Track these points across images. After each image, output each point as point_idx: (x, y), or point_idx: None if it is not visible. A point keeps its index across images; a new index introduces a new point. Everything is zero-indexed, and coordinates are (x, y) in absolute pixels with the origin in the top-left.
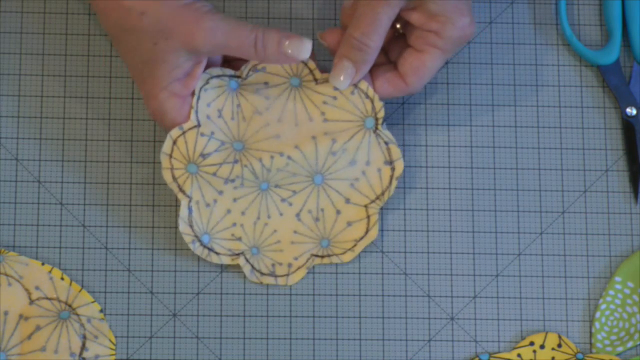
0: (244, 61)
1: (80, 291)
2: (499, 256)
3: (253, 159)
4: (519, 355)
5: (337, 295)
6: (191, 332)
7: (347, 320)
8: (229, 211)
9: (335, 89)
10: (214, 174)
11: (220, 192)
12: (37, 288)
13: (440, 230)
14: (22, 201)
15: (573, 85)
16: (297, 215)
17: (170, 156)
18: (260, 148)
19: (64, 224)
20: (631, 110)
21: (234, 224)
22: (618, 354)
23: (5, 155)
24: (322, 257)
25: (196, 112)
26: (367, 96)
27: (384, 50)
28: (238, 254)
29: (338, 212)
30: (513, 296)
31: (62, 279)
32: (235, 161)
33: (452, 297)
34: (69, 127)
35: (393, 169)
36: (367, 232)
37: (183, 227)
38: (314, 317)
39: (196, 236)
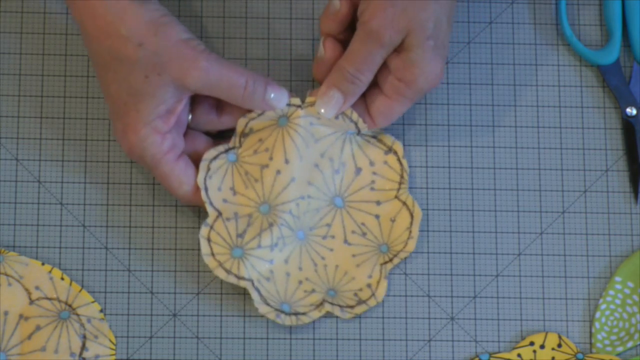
0: (207, 112)
1: (80, 291)
2: (499, 256)
3: (283, 213)
4: (519, 355)
5: None
6: (191, 332)
7: (347, 320)
8: (288, 274)
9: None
10: (259, 247)
11: (271, 261)
12: (37, 288)
13: (440, 230)
14: (22, 201)
15: (573, 85)
16: (345, 241)
17: (213, 255)
18: (284, 200)
19: (64, 224)
20: (631, 110)
21: (300, 282)
22: (618, 354)
23: (5, 155)
24: (391, 260)
25: (210, 203)
26: (352, 120)
27: None
28: (321, 304)
29: (377, 216)
30: (513, 296)
31: (62, 279)
32: (270, 224)
33: (452, 297)
34: (69, 127)
35: (395, 152)
36: (412, 215)
37: (262, 308)
38: None
39: (277, 310)
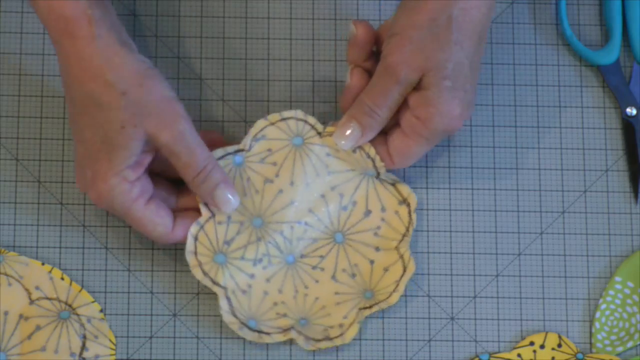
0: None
1: (80, 291)
2: (499, 256)
3: (274, 232)
4: (519, 355)
5: None
6: (191, 332)
7: None
8: (266, 293)
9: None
10: (242, 258)
11: (252, 276)
12: (37, 288)
13: (440, 230)
14: (22, 201)
15: (573, 85)
16: (333, 277)
17: (195, 253)
18: (278, 220)
19: (64, 224)
20: (631, 110)
21: (275, 304)
22: (618, 354)
23: (5, 155)
24: (370, 307)
25: (204, 203)
26: (369, 156)
27: None
28: (288, 329)
29: (371, 262)
30: (513, 296)
31: (62, 279)
32: (259, 239)
33: (452, 297)
34: (69, 127)
35: (408, 205)
36: (405, 269)
37: (227, 317)
38: None
39: (243, 323)
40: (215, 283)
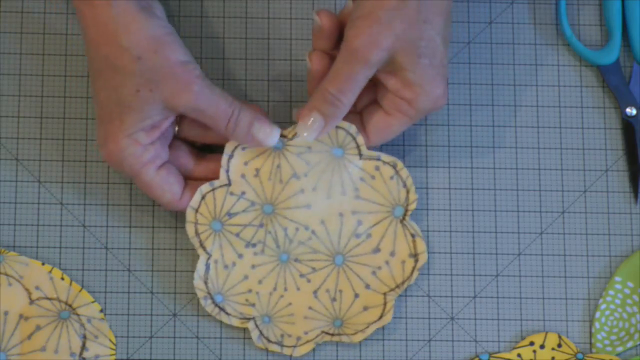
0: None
1: (80, 291)
2: (499, 256)
3: (279, 226)
4: (519, 355)
5: None
6: (191, 332)
7: None
8: (246, 277)
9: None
10: (237, 235)
11: (240, 256)
12: (37, 288)
13: (440, 230)
14: (22, 201)
15: (573, 85)
16: (315, 292)
17: (197, 211)
18: (288, 216)
19: (64, 224)
20: (631, 110)
21: (250, 291)
22: (618, 354)
23: (5, 155)
24: (332, 335)
25: (226, 171)
26: (405, 185)
27: None
28: (248, 319)
29: (356, 295)
30: (513, 296)
31: (62, 279)
32: (261, 225)
33: (452, 297)
34: (69, 127)
35: (416, 261)
36: (381, 316)
37: (198, 282)
38: None
39: (209, 293)
40: (202, 246)
